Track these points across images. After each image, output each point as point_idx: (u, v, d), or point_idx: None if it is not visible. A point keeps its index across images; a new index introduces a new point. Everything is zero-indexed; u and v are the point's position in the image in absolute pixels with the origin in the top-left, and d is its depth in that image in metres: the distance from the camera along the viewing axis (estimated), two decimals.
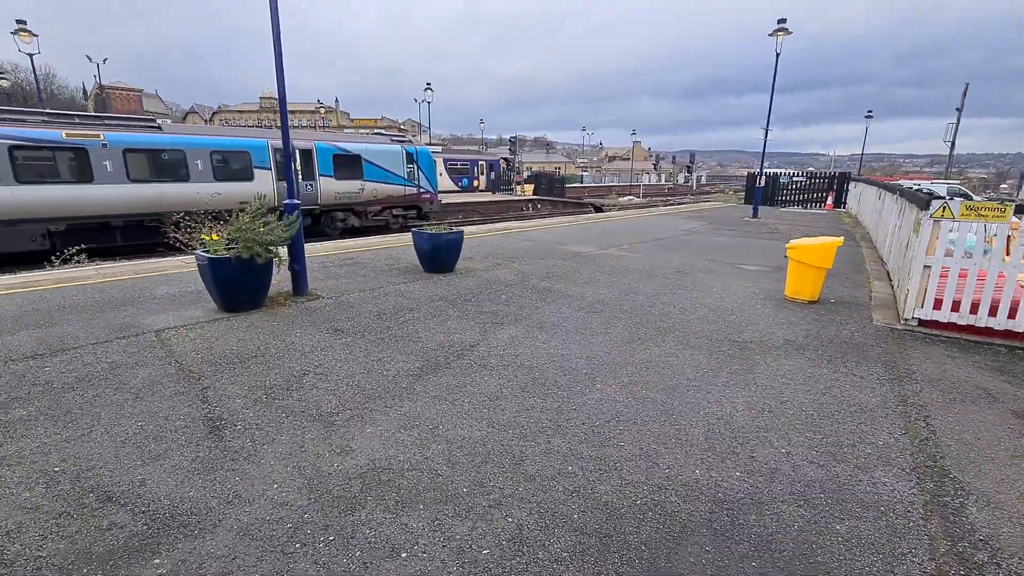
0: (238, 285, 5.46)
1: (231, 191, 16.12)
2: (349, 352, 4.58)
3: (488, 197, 33.87)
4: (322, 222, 19.16)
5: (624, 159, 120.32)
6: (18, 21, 17.70)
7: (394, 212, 21.36)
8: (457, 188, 37.62)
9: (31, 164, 13.60)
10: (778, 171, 27.19)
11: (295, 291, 6.30)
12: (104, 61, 50.06)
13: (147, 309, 5.73)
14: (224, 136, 17.42)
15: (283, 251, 5.94)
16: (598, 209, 23.69)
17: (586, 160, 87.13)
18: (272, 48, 5.58)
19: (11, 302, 6.03)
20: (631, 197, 46.39)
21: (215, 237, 5.47)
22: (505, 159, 38.78)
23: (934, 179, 28.46)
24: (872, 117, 39.92)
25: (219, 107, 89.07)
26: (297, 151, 18.04)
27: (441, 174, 32.81)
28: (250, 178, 17.01)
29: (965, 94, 36.71)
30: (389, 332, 5.11)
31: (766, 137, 18.05)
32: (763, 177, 20.16)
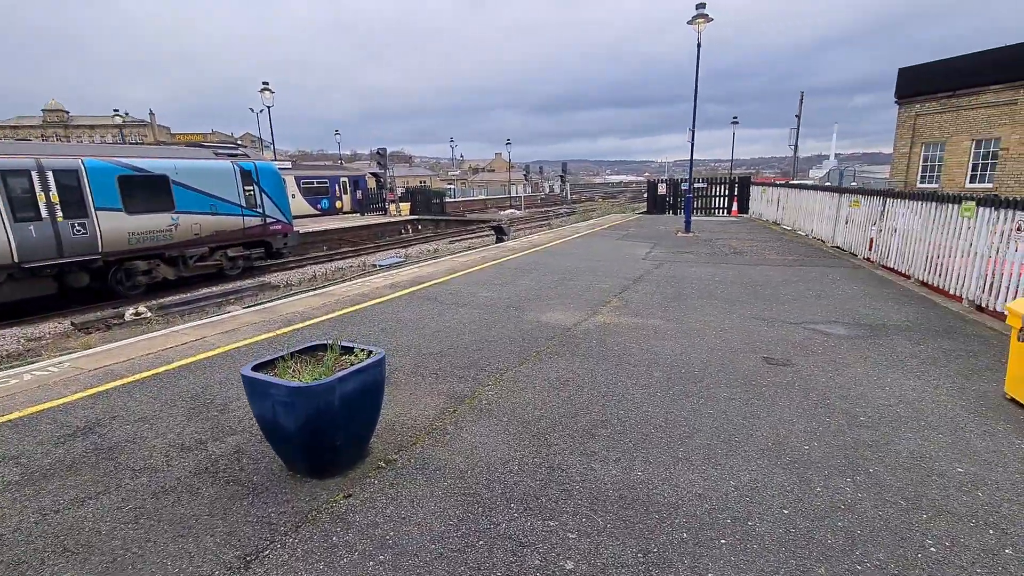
0: None
1: None
2: None
3: (357, 221, 28.20)
4: (112, 279, 12.49)
5: (488, 171, 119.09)
6: None
7: (230, 253, 15.18)
8: (315, 211, 31.15)
9: None
10: (675, 178, 25.95)
11: None
12: None
13: None
14: None
15: None
16: (499, 231, 19.76)
17: (456, 173, 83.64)
18: None
19: None
20: (512, 211, 43.49)
21: None
22: (374, 174, 33.14)
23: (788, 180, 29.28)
24: (738, 123, 41.83)
25: None
26: (49, 172, 11.28)
27: (294, 196, 26.44)
28: None
29: (801, 102, 40.19)
30: None
31: (693, 140, 15.70)
32: (689, 184, 18.01)
